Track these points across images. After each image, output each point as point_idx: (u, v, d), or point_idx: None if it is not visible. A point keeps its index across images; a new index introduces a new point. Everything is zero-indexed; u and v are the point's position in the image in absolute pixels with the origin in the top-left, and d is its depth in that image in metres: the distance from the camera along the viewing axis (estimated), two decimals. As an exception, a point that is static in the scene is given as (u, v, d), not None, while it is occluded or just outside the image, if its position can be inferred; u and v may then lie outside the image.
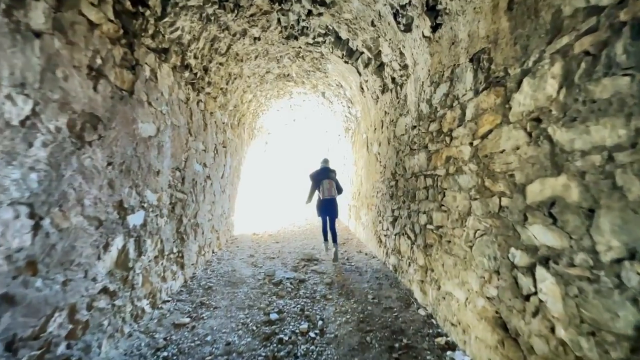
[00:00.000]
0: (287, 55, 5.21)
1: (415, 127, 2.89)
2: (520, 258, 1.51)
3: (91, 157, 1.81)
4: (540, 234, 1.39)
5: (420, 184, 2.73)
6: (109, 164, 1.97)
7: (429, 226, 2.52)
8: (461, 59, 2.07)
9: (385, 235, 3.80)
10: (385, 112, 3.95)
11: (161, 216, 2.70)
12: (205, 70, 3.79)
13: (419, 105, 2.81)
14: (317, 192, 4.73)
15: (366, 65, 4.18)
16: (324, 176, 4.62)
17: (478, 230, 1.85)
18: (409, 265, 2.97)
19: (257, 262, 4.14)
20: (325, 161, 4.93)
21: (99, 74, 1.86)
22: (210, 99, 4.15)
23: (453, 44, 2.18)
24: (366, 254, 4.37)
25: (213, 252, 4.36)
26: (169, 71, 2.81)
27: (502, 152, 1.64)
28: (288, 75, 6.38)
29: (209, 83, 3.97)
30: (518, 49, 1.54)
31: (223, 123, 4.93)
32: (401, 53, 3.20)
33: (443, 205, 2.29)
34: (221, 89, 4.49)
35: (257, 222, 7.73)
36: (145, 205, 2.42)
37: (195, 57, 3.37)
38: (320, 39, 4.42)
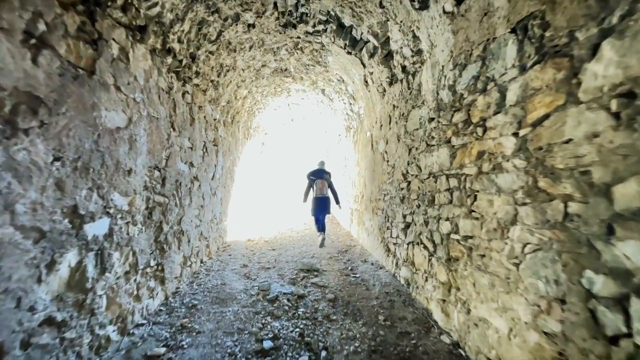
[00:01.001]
0: (284, 46, 4.83)
1: (433, 119, 2.50)
2: (602, 285, 1.11)
3: (27, 150, 1.39)
4: (637, 253, 0.99)
5: (440, 185, 2.34)
6: (57, 159, 1.55)
7: (453, 236, 2.12)
8: (498, 31, 1.69)
9: (394, 244, 3.39)
10: (394, 105, 3.56)
11: (134, 224, 2.28)
12: (193, 58, 3.39)
13: (437, 94, 2.43)
14: (311, 190, 5.38)
15: (372, 55, 3.81)
16: (318, 176, 5.28)
17: (529, 244, 1.45)
18: (426, 280, 2.57)
19: (251, 274, 3.71)
20: (322, 163, 5.54)
21: (41, 43, 1.45)
22: (199, 92, 3.75)
23: (486, 14, 1.79)
24: (372, 264, 3.96)
25: (202, 262, 3.93)
26: (145, 53, 2.40)
27: (567, 142, 1.25)
28: (286, 70, 6.01)
29: (197, 73, 3.57)
30: (593, 3, 1.16)
31: (214, 119, 4.52)
32: (414, 36, 2.82)
33: (474, 211, 1.90)
34: (212, 81, 4.09)
35: (252, 227, 7.30)
36: (112, 211, 2.00)
37: (180, 42, 2.97)
38: (321, 27, 4.04)
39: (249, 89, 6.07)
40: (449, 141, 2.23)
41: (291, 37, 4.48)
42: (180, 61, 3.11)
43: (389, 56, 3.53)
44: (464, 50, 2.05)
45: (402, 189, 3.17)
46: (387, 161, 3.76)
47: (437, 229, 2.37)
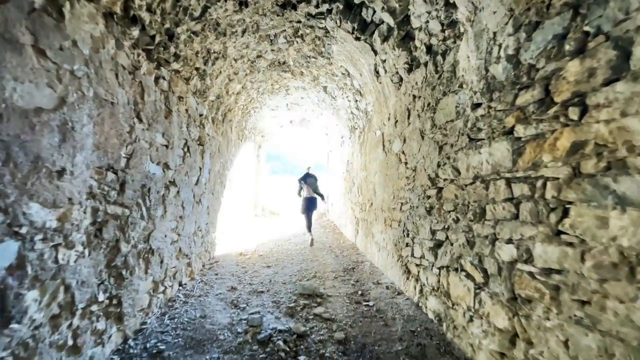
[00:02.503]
0: (282, 33, 4.26)
1: (479, 105, 1.90)
2: None
3: None
4: None
5: (495, 193, 1.72)
6: None
7: (523, 266, 1.49)
8: (612, -44, 1.09)
9: (418, 265, 2.76)
10: (414, 96, 2.97)
11: (68, 246, 1.64)
12: (170, 36, 2.79)
13: (486, 71, 1.83)
14: (301, 192, 6.70)
15: (385, 39, 3.23)
16: (306, 180, 6.68)
17: None
18: (471, 320, 1.92)
19: (240, 300, 3.05)
20: (309, 169, 7.09)
21: None
22: (180, 79, 3.14)
23: (582, -61, 1.20)
24: (387, 287, 3.30)
25: (180, 286, 3.26)
26: (95, 14, 1.80)
27: None
28: (284, 63, 5.44)
29: (177, 56, 2.97)
30: None
31: (200, 115, 3.91)
32: (446, 4, 2.24)
33: (565, 233, 1.27)
34: (197, 69, 3.49)
35: (246, 238, 6.63)
36: (25, 230, 1.36)
37: (151, 11, 2.37)
38: (325, 7, 3.47)
39: (243, 84, 5.49)
40: (510, 132, 1.62)
41: (290, 21, 3.91)
42: (153, 37, 2.51)
43: (407, 37, 2.96)
44: (534, 3, 1.45)
45: (429, 197, 2.54)
46: (406, 163, 3.15)
47: (492, 253, 1.74)
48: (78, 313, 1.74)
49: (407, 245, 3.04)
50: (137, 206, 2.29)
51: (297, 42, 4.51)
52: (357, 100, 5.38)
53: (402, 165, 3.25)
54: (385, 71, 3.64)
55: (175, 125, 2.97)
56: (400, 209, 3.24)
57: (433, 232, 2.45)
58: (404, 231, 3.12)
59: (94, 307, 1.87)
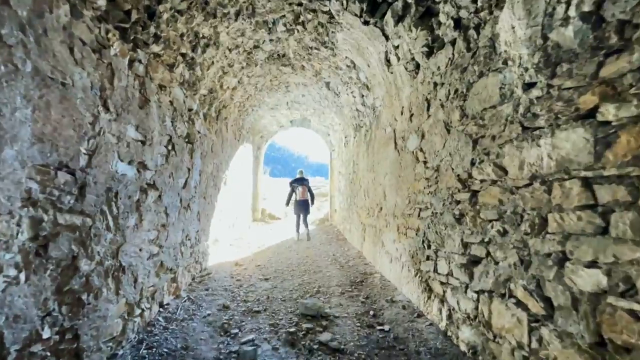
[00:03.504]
0: (282, 18, 3.88)
1: (533, 84, 1.49)
2: None
3: None
4: None
5: (564, 197, 1.30)
6: None
7: (617, 301, 1.08)
8: None
9: (444, 284, 2.33)
10: (436, 83, 2.57)
11: (-9, 271, 1.22)
12: (151, 15, 2.40)
13: (544, 40, 1.42)
14: (294, 195, 7.10)
15: (400, 19, 2.84)
16: (299, 183, 7.12)
17: None
18: (525, 363, 1.50)
19: (231, 323, 2.62)
20: (301, 172, 7.62)
21: None
22: (161, 65, 2.75)
23: None
24: (404, 307, 2.87)
25: (162, 307, 2.84)
26: (37, -33, 1.40)
27: None
28: (284, 55, 5.07)
29: (157, 38, 2.57)
30: None
31: (190, 110, 3.52)
32: (482, -35, 1.84)
33: None
34: (183, 55, 3.10)
35: (243, 246, 6.20)
36: None
37: (122, -22, 1.99)
38: (330, -15, 3.09)
39: (239, 78, 5.10)
40: (588, 115, 1.21)
41: (290, 4, 3.54)
42: (128, 13, 2.12)
43: (427, 14, 2.56)
44: None
45: (459, 202, 2.13)
46: (425, 162, 2.74)
47: (558, 277, 1.31)
48: (10, 359, 1.32)
49: (428, 258, 2.62)
50: (102, 215, 1.88)
51: (297, 30, 4.13)
52: (363, 95, 4.98)
53: (420, 164, 2.84)
54: (399, 59, 3.24)
55: (155, 118, 2.57)
56: (418, 216, 2.82)
57: (465, 246, 2.03)
58: (423, 242, 2.70)
59: (36, 348, 1.45)
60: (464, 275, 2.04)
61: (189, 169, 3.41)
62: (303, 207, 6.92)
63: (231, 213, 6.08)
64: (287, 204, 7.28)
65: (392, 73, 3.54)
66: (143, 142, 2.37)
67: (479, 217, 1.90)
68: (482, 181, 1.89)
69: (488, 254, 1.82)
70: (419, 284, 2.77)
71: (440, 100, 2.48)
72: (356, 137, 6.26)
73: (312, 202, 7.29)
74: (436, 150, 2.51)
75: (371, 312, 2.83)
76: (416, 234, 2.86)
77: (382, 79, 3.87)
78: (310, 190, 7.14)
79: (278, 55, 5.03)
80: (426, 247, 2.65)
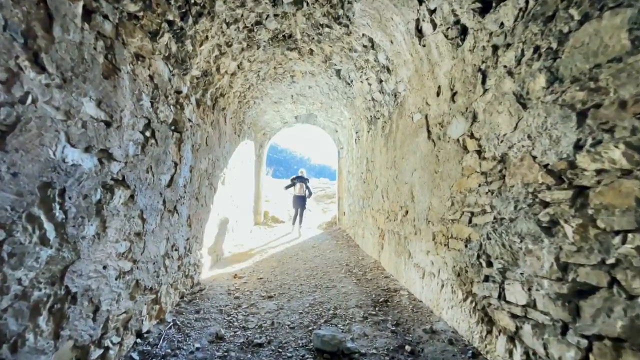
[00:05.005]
0: (289, -17, 3.32)
1: None
2: None
3: None
4: None
5: None
6: None
7: None
8: None
9: (517, 317, 1.71)
10: (497, 46, 1.97)
11: None
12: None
13: None
14: (292, 189, 8.44)
15: (442, -29, 2.25)
16: (299, 180, 8.36)
17: None
18: None
19: (226, 364, 2.03)
20: (302, 172, 8.69)
21: None
22: (140, 31, 2.18)
23: None
24: (450, 341, 2.25)
25: (140, 337, 2.25)
26: None
27: None
28: (290, 36, 4.50)
29: (131, -10, 2.00)
30: None
31: (178, 92, 2.95)
32: None
33: None
34: (170, 22, 2.53)
35: (243, 253, 5.61)
36: None
37: None
38: None
39: (239, 62, 4.54)
40: None
41: (300, -37, 2.96)
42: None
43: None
44: None
45: (548, 203, 1.52)
46: (479, 152, 2.13)
47: None
48: None
49: (486, 279, 2.00)
50: (30, 222, 1.30)
51: (307, 2, 3.55)
52: (381, 81, 4.39)
53: (471, 155, 2.23)
54: (435, 26, 2.65)
55: (127, 94, 1.99)
56: (469, 222, 2.21)
57: (565, 268, 1.41)
58: (478, 256, 2.09)
59: None
60: (560, 309, 1.43)
61: (175, 164, 2.83)
62: (300, 201, 8.19)
63: (230, 216, 5.50)
64: (287, 188, 8.65)
65: (424, 46, 2.94)
66: (108, 124, 1.79)
67: (593, 226, 1.29)
68: (598, 172, 1.28)
69: (613, 282, 1.21)
70: (472, 311, 2.15)
71: (506, 67, 1.87)
72: (370, 131, 5.67)
73: (309, 195, 8.45)
74: (500, 134, 1.91)
75: (407, 348, 2.21)
76: (465, 246, 2.25)
77: (409, 55, 3.27)
78: (308, 188, 8.34)
79: (283, 36, 4.47)
80: (484, 264, 2.03)
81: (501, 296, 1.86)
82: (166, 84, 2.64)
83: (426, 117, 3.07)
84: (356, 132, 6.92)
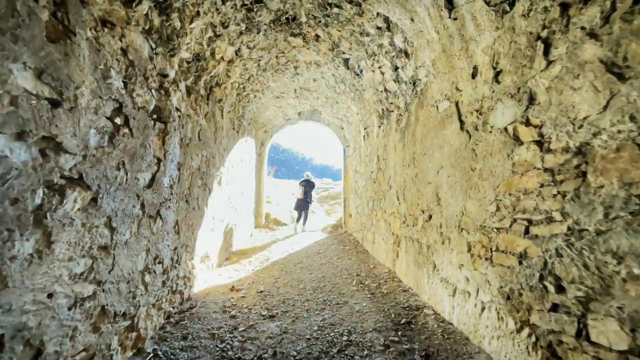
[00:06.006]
0: (294, -49, 2.90)
1: None
2: None
3: None
4: None
5: None
6: None
7: None
8: None
9: (613, 368, 1.26)
10: (567, 4, 1.52)
11: None
12: None
13: None
14: (297, 192, 9.36)
15: None
16: (305, 184, 9.23)
17: None
18: None
19: (215, 415, 1.58)
20: (308, 175, 9.72)
21: None
22: (106, -12, 1.74)
23: None
24: (500, 384, 1.80)
25: (105, 377, 1.81)
26: None
27: None
28: (294, 19, 4.08)
29: None
30: None
31: (163, 75, 2.52)
32: None
33: None
34: (148, -14, 2.10)
35: (242, 261, 5.17)
36: None
37: None
38: None
39: (237, 48, 4.12)
40: None
41: None
42: None
43: None
44: None
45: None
46: (540, 143, 1.68)
47: None
48: None
49: (554, 308, 1.55)
50: None
51: (314, -26, 3.12)
52: (397, 68, 3.95)
53: (527, 147, 1.78)
54: (471, -8, 2.20)
55: (86, 67, 1.56)
56: (526, 232, 1.76)
57: None
58: (541, 277, 1.63)
59: None
60: None
61: (158, 160, 2.40)
62: (303, 204, 8.97)
63: (228, 220, 5.06)
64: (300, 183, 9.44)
65: (455, 20, 2.49)
66: (55, 103, 1.36)
67: None
68: None
69: None
70: (532, 347, 1.70)
71: (584, 28, 1.42)
72: (382, 125, 5.22)
73: (310, 202, 9.36)
74: (577, 118, 1.45)
75: (445, 392, 1.76)
76: (520, 263, 1.80)
77: (434, 34, 2.82)
78: (310, 195, 9.28)
79: (287, 19, 4.05)
80: (550, 289, 1.58)
81: (582, 333, 1.40)
82: (146, 63, 2.21)
83: (457, 104, 2.62)
84: (365, 128, 6.47)
